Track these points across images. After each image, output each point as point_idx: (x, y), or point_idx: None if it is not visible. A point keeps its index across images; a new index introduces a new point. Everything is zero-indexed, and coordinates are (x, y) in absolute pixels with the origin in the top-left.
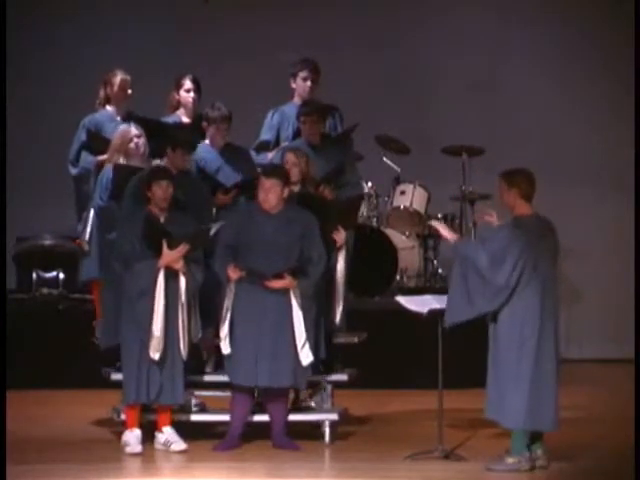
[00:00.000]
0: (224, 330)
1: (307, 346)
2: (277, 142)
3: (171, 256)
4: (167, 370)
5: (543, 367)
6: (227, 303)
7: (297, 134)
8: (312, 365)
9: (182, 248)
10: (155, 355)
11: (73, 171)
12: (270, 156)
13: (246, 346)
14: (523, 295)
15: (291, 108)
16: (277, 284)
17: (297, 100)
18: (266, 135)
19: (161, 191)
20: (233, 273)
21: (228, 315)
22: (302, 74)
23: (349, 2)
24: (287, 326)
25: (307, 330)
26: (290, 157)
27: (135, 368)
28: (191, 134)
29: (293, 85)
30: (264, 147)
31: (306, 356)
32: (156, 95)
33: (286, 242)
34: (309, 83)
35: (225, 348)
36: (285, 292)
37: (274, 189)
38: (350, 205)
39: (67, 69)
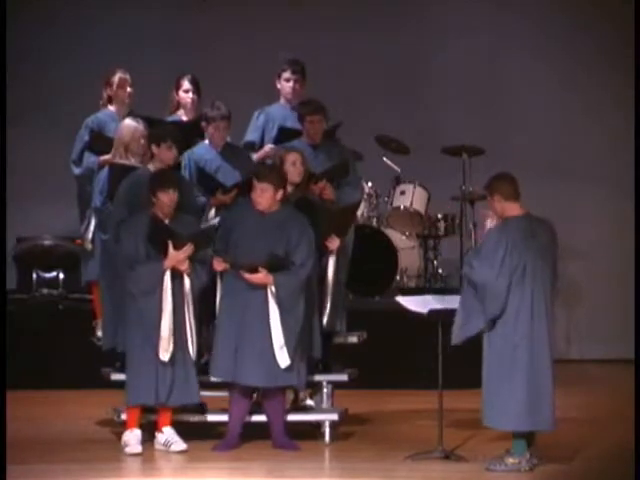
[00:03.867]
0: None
1: (284, 349)
2: (262, 143)
3: (177, 257)
4: (179, 370)
5: (537, 367)
6: (218, 300)
7: (280, 135)
8: (311, 365)
9: (187, 249)
10: (164, 356)
11: (76, 171)
12: (255, 157)
13: (226, 341)
14: (514, 296)
15: (277, 109)
16: (253, 278)
17: (282, 101)
18: (252, 136)
19: (167, 198)
20: (218, 265)
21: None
22: (285, 75)
23: (349, 2)
24: (266, 324)
25: (289, 333)
26: (298, 157)
27: (141, 369)
28: (180, 131)
29: (278, 86)
30: (249, 148)
31: (283, 359)
32: (156, 95)
33: (271, 244)
34: (291, 84)
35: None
36: (265, 290)
37: (267, 192)
38: (344, 215)
39: (67, 69)
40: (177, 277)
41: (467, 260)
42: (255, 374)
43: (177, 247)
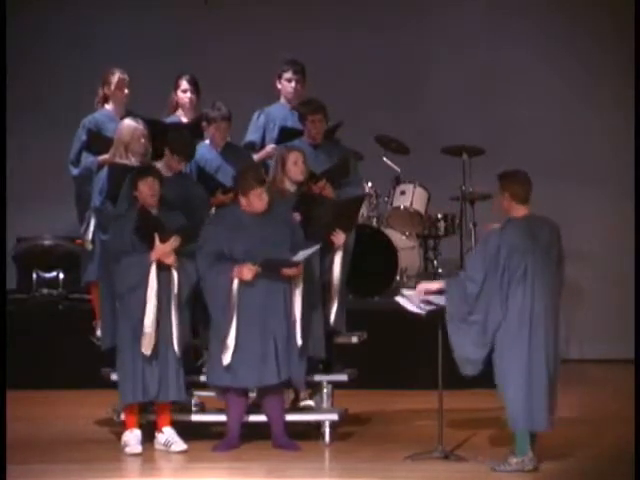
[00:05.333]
0: (230, 340)
1: (300, 330)
2: (262, 143)
3: (163, 249)
4: (165, 367)
5: (536, 369)
6: (232, 311)
7: (281, 135)
8: (311, 365)
9: (173, 241)
10: (147, 351)
11: (74, 171)
12: (257, 157)
13: (253, 347)
14: (515, 298)
15: (277, 109)
16: (294, 270)
17: (283, 101)
18: (252, 136)
19: (147, 187)
20: (249, 272)
21: (234, 324)
22: (286, 75)
23: (349, 2)
24: (291, 318)
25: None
26: (299, 156)
27: (130, 367)
28: (191, 140)
29: (279, 86)
30: (250, 148)
31: (299, 338)
32: (156, 95)
33: (280, 239)
34: (293, 84)
35: (227, 359)
36: (287, 284)
37: (264, 194)
38: (349, 207)
39: (67, 69)
40: (164, 272)
41: (464, 270)
42: (289, 369)
43: (163, 240)
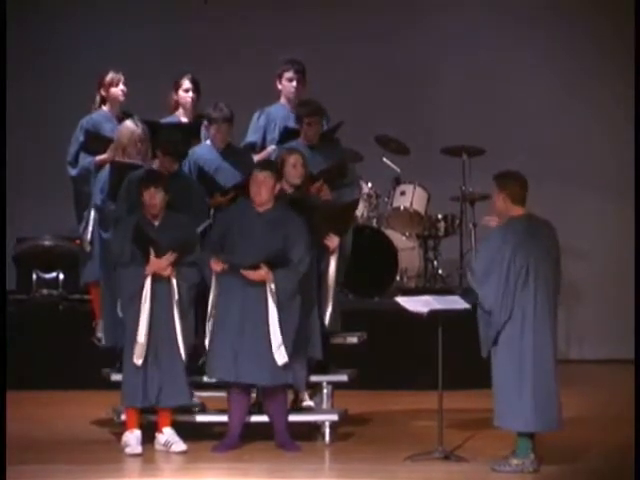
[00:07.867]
0: (209, 327)
1: (282, 347)
2: (263, 144)
3: (158, 264)
4: (167, 373)
5: (542, 368)
6: (211, 299)
7: (283, 135)
8: (310, 366)
9: (169, 256)
10: (138, 361)
11: (72, 172)
12: (257, 158)
13: (225, 341)
14: (518, 298)
15: (277, 109)
16: (253, 275)
17: (283, 101)
18: (252, 137)
19: (148, 197)
20: (216, 265)
21: (213, 312)
22: (287, 75)
23: (349, 2)
24: (265, 323)
25: (287, 330)
26: (298, 159)
27: (131, 372)
28: (182, 139)
29: (279, 86)
30: (250, 149)
31: (281, 356)
32: (155, 95)
33: (269, 243)
34: (294, 84)
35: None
36: (264, 289)
37: (267, 182)
38: (343, 211)
39: (67, 69)
40: (162, 280)
41: (470, 270)
42: (255, 373)
43: (159, 255)
